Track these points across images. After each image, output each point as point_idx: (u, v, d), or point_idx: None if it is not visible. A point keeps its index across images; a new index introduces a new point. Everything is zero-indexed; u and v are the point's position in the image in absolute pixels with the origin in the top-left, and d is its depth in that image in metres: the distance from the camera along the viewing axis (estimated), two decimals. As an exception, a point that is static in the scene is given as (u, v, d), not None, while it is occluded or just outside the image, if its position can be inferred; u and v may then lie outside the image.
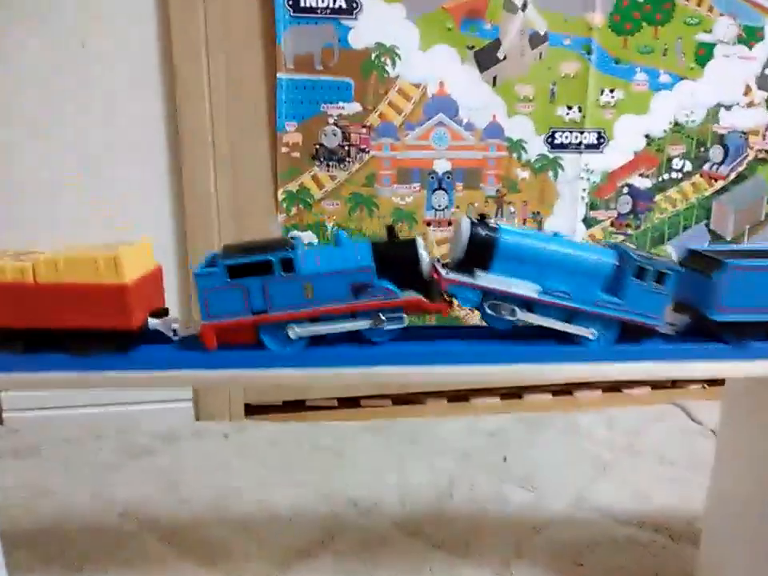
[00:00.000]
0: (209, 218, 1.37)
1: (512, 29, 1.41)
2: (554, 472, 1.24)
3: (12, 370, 0.68)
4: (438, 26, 1.39)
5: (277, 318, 0.69)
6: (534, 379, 0.78)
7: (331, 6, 1.33)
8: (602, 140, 1.51)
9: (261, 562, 0.99)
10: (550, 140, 1.49)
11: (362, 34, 1.36)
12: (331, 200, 1.44)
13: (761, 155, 1.58)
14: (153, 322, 0.72)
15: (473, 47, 1.40)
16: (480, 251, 0.69)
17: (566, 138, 1.49)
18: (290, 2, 1.32)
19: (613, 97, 1.48)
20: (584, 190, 1.53)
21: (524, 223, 1.53)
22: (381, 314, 0.70)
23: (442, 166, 1.46)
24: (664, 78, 1.49)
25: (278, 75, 1.34)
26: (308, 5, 1.33)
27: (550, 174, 1.51)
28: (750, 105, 1.55)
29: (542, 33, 1.42)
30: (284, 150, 1.39)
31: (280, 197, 1.42)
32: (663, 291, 0.70)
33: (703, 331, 0.73)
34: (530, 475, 1.22)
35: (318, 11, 1.33)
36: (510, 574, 0.95)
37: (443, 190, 1.48)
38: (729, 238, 1.62)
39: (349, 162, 1.42)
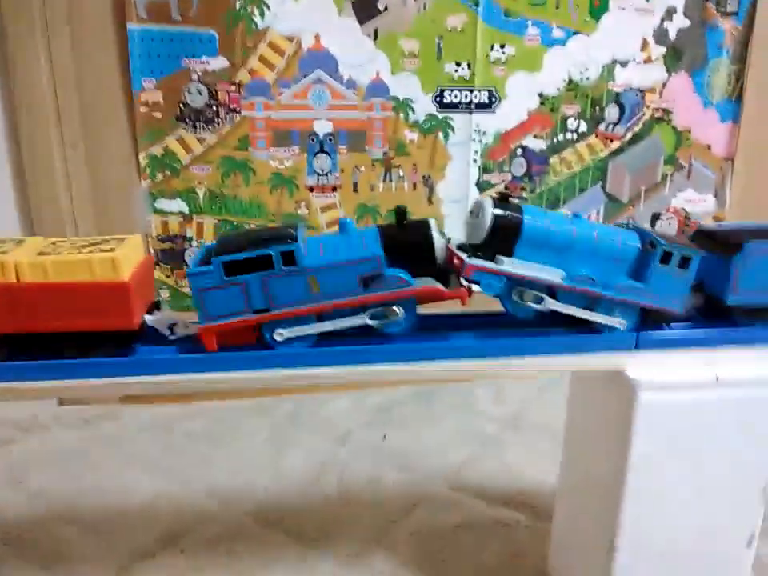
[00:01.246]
0: (54, 193, 1.24)
1: (392, -24, 1.31)
2: (436, 450, 1.21)
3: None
4: None
5: (281, 315, 0.63)
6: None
7: (188, -53, 1.20)
8: (493, 99, 1.43)
9: (99, 564, 0.93)
10: (438, 99, 1.40)
11: (224, -21, 1.24)
12: (201, 164, 1.31)
13: (657, 114, 1.55)
14: (149, 319, 0.67)
15: (350, -4, 1.30)
16: (504, 235, 0.65)
17: (456, 96, 1.41)
18: (140, -58, 1.18)
19: (504, 53, 1.40)
20: (476, 152, 1.46)
21: (414, 188, 1.46)
22: (394, 307, 0.64)
23: (322, 127, 1.37)
24: (557, 33, 1.42)
25: (128, 26, 1.21)
26: (161, -54, 1.19)
27: (440, 135, 1.43)
28: (647, 61, 1.50)
29: (426, -19, 1.32)
30: (143, 109, 1.26)
31: (142, 162, 1.29)
32: (686, 276, 0.68)
33: (715, 313, 0.73)
34: (409, 455, 1.19)
35: (174, -47, 1.20)
36: (366, 566, 0.92)
37: (325, 153, 1.38)
38: (625, 200, 1.60)
39: (218, 122, 1.30)
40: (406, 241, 0.65)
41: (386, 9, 1.31)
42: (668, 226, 1.63)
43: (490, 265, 0.65)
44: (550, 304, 0.67)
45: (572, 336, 0.69)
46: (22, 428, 1.26)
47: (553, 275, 0.67)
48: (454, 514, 1.02)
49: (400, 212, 0.67)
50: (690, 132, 1.56)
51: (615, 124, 1.52)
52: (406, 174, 1.43)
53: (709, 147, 1.58)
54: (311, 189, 1.39)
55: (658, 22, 1.46)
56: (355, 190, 1.41)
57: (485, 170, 1.48)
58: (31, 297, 0.61)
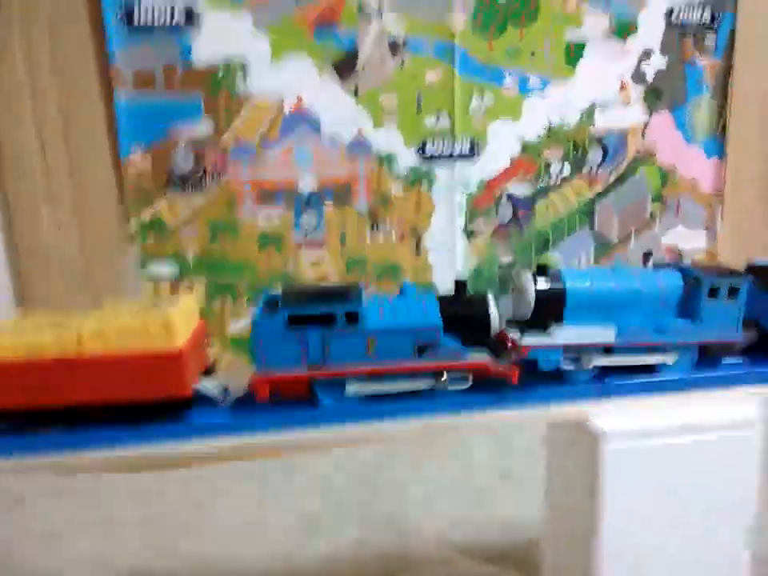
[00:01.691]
0: (46, 265, 1.27)
1: (369, 36, 1.35)
2: (424, 505, 1.20)
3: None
4: (290, 35, 1.30)
5: (335, 373, 0.65)
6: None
7: (169, 21, 1.25)
8: (475, 148, 1.46)
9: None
10: (420, 151, 1.43)
11: (206, 48, 1.26)
12: (189, 228, 1.34)
13: (641, 154, 1.56)
14: (203, 384, 0.68)
15: (330, 57, 1.34)
16: (550, 306, 0.67)
17: (438, 148, 1.44)
18: (123, 19, 1.23)
19: (483, 102, 1.44)
20: (461, 200, 1.49)
21: (401, 239, 1.48)
22: (444, 375, 0.67)
23: (307, 185, 1.39)
24: (534, 81, 1.45)
25: (115, 96, 1.26)
26: (143, 21, 1.24)
27: (424, 186, 1.46)
28: (627, 102, 1.53)
29: (402, 39, 1.36)
30: (132, 176, 1.30)
31: (133, 228, 1.33)
32: (738, 304, 0.69)
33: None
34: (397, 512, 1.18)
35: (156, 27, 1.24)
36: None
37: (311, 209, 1.41)
38: (615, 241, 1.61)
39: (205, 186, 1.34)
40: (465, 314, 0.68)
41: (365, 68, 1.34)
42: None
43: (544, 341, 0.67)
44: (610, 361, 0.69)
45: (537, 388, 0.69)
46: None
47: (606, 335, 0.68)
48: (441, 574, 1.00)
49: (460, 284, 0.69)
50: (675, 169, 1.57)
51: (599, 166, 1.54)
52: (393, 225, 1.45)
53: (696, 183, 1.59)
54: (299, 246, 1.41)
55: (635, 64, 1.49)
56: (342, 244, 1.43)
57: (471, 217, 1.49)
58: (86, 369, 0.62)
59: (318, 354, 0.64)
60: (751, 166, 1.62)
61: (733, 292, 0.68)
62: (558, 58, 1.44)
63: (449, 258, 1.50)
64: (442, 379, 0.66)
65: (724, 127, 1.56)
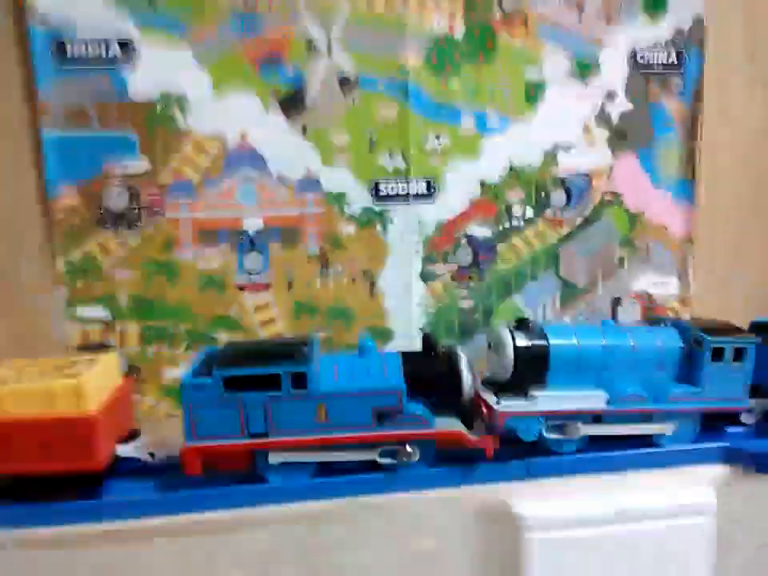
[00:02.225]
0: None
1: (317, 72, 1.30)
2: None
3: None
4: (233, 70, 1.25)
5: (280, 444, 0.57)
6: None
7: (104, 54, 1.20)
8: (432, 189, 1.40)
9: None
10: (374, 191, 1.37)
11: (143, 83, 1.20)
12: (123, 269, 1.26)
13: (607, 197, 1.50)
14: (124, 450, 0.62)
15: (275, 93, 1.29)
16: (531, 367, 0.61)
17: (392, 188, 1.37)
18: (54, 51, 1.17)
19: (439, 143, 1.38)
20: (417, 242, 1.42)
21: (353, 282, 1.41)
22: (408, 447, 0.59)
23: (252, 225, 1.32)
24: (493, 121, 1.40)
25: (43, 133, 1.19)
26: (76, 54, 1.18)
27: (378, 227, 1.39)
28: (591, 145, 1.48)
29: (352, 76, 1.31)
30: (60, 215, 1.23)
31: (61, 269, 1.25)
32: (744, 367, 0.63)
33: None
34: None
35: (90, 59, 1.19)
36: None
37: (256, 250, 1.34)
38: (581, 286, 1.54)
39: (140, 225, 1.27)
40: (432, 372, 0.60)
41: (313, 104, 1.29)
42: (631, 311, 1.56)
43: (524, 407, 0.60)
44: (599, 430, 0.61)
45: (454, 468, 0.61)
46: None
47: (595, 401, 0.61)
48: None
49: (427, 338, 0.62)
50: (643, 214, 1.51)
51: (563, 209, 1.48)
52: (345, 268, 1.38)
53: (665, 228, 1.53)
54: (242, 288, 1.33)
55: (599, 106, 1.45)
56: (290, 287, 1.35)
57: (429, 260, 1.42)
58: None
59: (259, 422, 0.56)
60: (723, 210, 1.56)
61: (738, 353, 0.61)
62: (518, 98, 1.39)
63: (405, 301, 1.42)
64: (408, 450, 0.57)
65: (693, 170, 1.51)
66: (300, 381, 0.57)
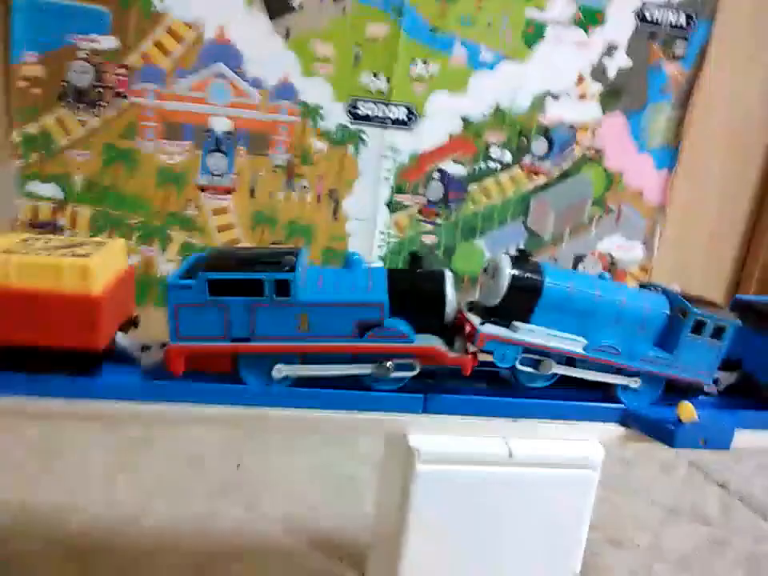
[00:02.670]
0: None
1: (308, -27, 1.23)
2: (288, 489, 1.13)
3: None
4: None
5: (260, 349, 0.57)
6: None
7: None
8: (411, 117, 1.36)
9: None
10: (351, 110, 1.33)
11: (121, -47, 1.15)
12: (80, 149, 1.22)
13: (588, 153, 1.48)
14: (120, 339, 0.62)
15: (262, -11, 1.22)
16: (521, 298, 0.59)
17: (371, 109, 1.33)
18: None
19: (427, 70, 1.33)
20: (389, 170, 1.38)
21: (318, 200, 1.38)
22: (387, 362, 0.58)
23: (220, 125, 1.27)
24: (486, 56, 1.34)
25: (10, -7, 1.13)
26: None
27: (351, 148, 1.35)
28: (582, 97, 1.44)
29: (346, -17, 1.25)
30: (21, 83, 1.16)
31: (15, 139, 1.21)
32: (719, 347, 0.63)
33: (747, 393, 0.68)
34: (256, 490, 1.10)
35: None
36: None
37: (221, 152, 1.30)
38: (547, 238, 1.53)
39: (103, 106, 1.22)
40: (416, 291, 0.60)
41: (301, 7, 1.23)
42: (591, 270, 1.56)
43: (506, 334, 0.60)
44: (569, 372, 0.62)
45: (355, 394, 0.61)
46: None
47: (574, 345, 0.61)
48: (278, 566, 0.94)
49: (414, 257, 0.61)
50: (621, 175, 1.49)
51: (542, 158, 1.45)
52: (311, 185, 1.35)
53: (641, 193, 1.52)
54: (202, 189, 1.30)
55: (597, 58, 1.40)
56: (252, 195, 1.33)
57: (398, 190, 1.40)
58: None
59: (242, 326, 0.56)
60: (701, 183, 1.55)
61: (718, 332, 0.62)
62: (515, 36, 1.34)
63: (368, 229, 1.41)
64: (387, 365, 0.58)
65: (679, 140, 1.48)
66: (283, 289, 0.54)
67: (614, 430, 0.63)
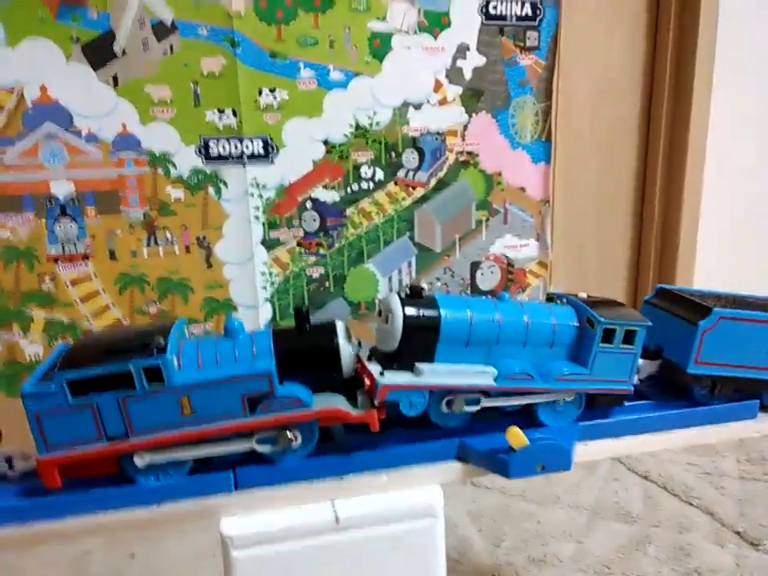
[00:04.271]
0: None
1: (127, 17, 1.15)
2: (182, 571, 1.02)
3: None
4: (26, 15, 1.07)
5: (141, 445, 0.50)
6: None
7: None
8: (270, 148, 1.29)
9: None
10: (203, 151, 1.25)
11: None
12: None
13: (462, 158, 1.43)
14: None
15: (78, 40, 1.14)
16: (420, 339, 0.55)
17: (224, 147, 1.26)
18: None
19: (275, 98, 1.27)
20: (257, 207, 1.31)
21: (187, 251, 1.29)
22: (288, 432, 0.52)
23: (62, 189, 1.17)
24: (336, 75, 1.28)
25: None
26: None
27: (211, 190, 1.28)
28: (443, 102, 1.39)
29: (169, 21, 1.17)
30: None
31: None
32: (632, 351, 0.59)
33: (670, 382, 0.65)
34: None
35: None
36: None
37: (69, 217, 1.21)
38: (438, 250, 1.48)
39: (-77, 190, 1.12)
40: (306, 349, 0.54)
41: (124, 53, 1.14)
42: (490, 275, 1.51)
43: (408, 380, 0.54)
44: (485, 402, 0.57)
45: (159, 485, 0.53)
46: None
47: (484, 377, 0.56)
48: None
49: (300, 313, 0.53)
50: (500, 175, 1.45)
51: (416, 170, 1.40)
52: (176, 236, 1.26)
53: (523, 189, 1.47)
54: (56, 260, 1.20)
55: (450, 61, 1.35)
56: (113, 257, 1.23)
57: (271, 226, 1.32)
58: None
59: (117, 423, 0.49)
60: (580, 170, 1.52)
61: (629, 337, 0.57)
62: (362, 51, 1.28)
63: (247, 271, 1.32)
64: (287, 436, 0.52)
65: (549, 131, 1.45)
66: (155, 374, 0.49)
67: (452, 467, 0.56)
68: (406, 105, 1.34)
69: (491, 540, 1.03)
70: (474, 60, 1.36)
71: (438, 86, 1.35)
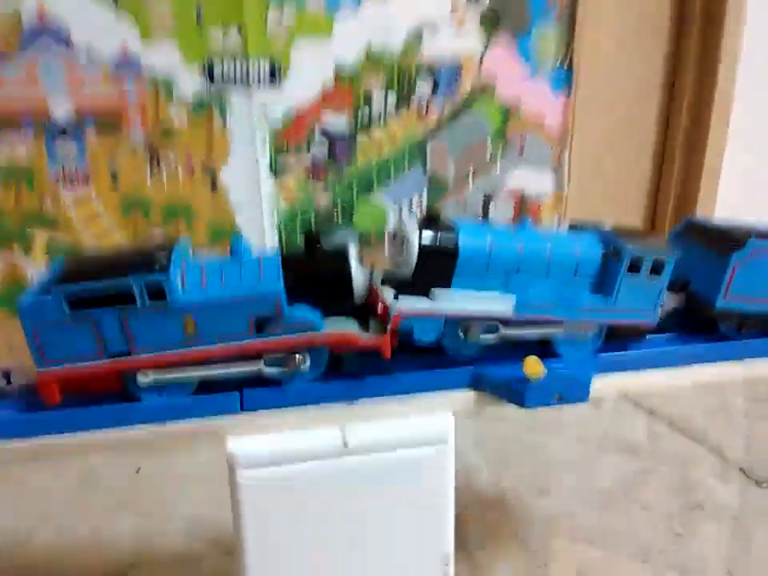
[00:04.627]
0: None
1: (125, -76, 1.08)
2: (188, 489, 1.04)
3: None
4: None
5: (142, 363, 0.49)
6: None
7: None
8: (276, 71, 1.24)
9: None
10: (207, 72, 1.20)
11: None
12: None
13: (478, 86, 1.38)
14: None
15: (75, -50, 1.07)
16: (436, 265, 0.52)
17: (229, 68, 1.21)
18: None
19: (282, 14, 1.20)
20: (264, 133, 1.27)
21: (191, 175, 1.26)
22: (297, 356, 0.51)
23: (62, 109, 1.14)
24: (346, -5, 1.23)
25: None
26: None
27: (216, 114, 1.23)
28: (460, 24, 1.33)
29: (170, -70, 1.10)
30: None
31: None
32: (659, 283, 0.56)
33: (696, 316, 0.62)
34: (153, 495, 1.02)
35: None
36: None
37: (70, 138, 1.17)
38: (450, 183, 1.43)
39: None
40: (317, 273, 0.52)
41: (124, -36, 1.09)
42: (504, 209, 1.48)
43: (423, 306, 0.51)
44: (503, 333, 0.54)
45: (164, 403, 0.52)
46: None
47: (502, 304, 0.53)
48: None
49: (309, 237, 0.52)
50: (518, 105, 1.39)
51: (430, 98, 1.34)
52: (179, 160, 1.23)
53: (542, 120, 1.42)
54: (56, 180, 1.17)
55: (469, -21, 1.28)
56: (115, 180, 1.20)
57: (278, 152, 1.28)
58: None
59: (118, 340, 0.48)
60: (602, 102, 1.46)
61: (657, 267, 0.54)
62: (374, -32, 1.22)
63: (253, 197, 1.29)
64: (295, 359, 0.51)
65: (572, 59, 1.39)
66: (157, 292, 0.47)
67: (465, 396, 0.54)
68: (420, 29, 1.27)
69: (496, 469, 1.04)
70: (493, -21, 1.28)
71: (455, 8, 1.28)
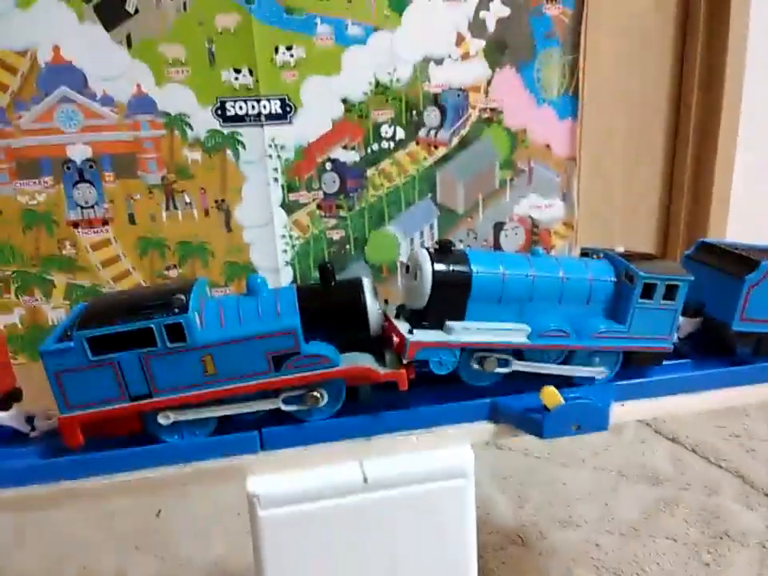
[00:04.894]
0: None
1: (137, -26, 1.12)
2: (204, 534, 1.04)
3: None
4: None
5: (164, 403, 0.50)
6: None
7: None
8: (287, 108, 1.26)
9: None
10: (219, 112, 1.23)
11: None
12: (-72, 206, 1.13)
13: (485, 115, 1.39)
14: (3, 418, 0.54)
15: (90, 0, 1.11)
16: (450, 296, 0.52)
17: (241, 108, 1.23)
18: None
19: (292, 55, 1.23)
20: (275, 169, 1.29)
21: (206, 214, 1.28)
22: (315, 392, 0.51)
23: (79, 153, 1.16)
24: (354, 30, 1.25)
25: None
26: None
27: (229, 153, 1.26)
28: (466, 57, 1.35)
29: (181, -22, 1.14)
30: None
31: None
32: (673, 307, 0.56)
33: (711, 340, 0.61)
34: (173, 538, 1.02)
35: None
36: None
37: (87, 182, 1.20)
38: (461, 212, 1.45)
39: (-58, 156, 1.11)
40: (332, 306, 0.52)
41: (136, 11, 1.12)
42: (514, 236, 1.48)
43: (438, 338, 0.52)
44: (517, 366, 0.54)
45: (185, 444, 0.53)
46: None
47: (516, 335, 0.53)
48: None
49: (325, 270, 0.52)
50: (525, 132, 1.41)
51: (438, 129, 1.36)
52: (194, 199, 1.25)
53: (548, 147, 1.43)
54: (75, 224, 1.20)
55: (473, 13, 1.31)
56: (132, 222, 1.22)
57: (290, 188, 1.30)
58: None
59: (139, 382, 0.49)
60: (608, 127, 1.47)
61: (670, 292, 0.54)
62: (380, 4, 1.24)
63: (267, 234, 1.31)
64: (313, 395, 0.51)
65: (577, 86, 1.40)
66: (177, 333, 0.48)
67: (484, 427, 0.54)
68: (426, 60, 1.30)
69: (515, 501, 1.03)
70: (497, 10, 1.31)
71: (460, 40, 1.31)
